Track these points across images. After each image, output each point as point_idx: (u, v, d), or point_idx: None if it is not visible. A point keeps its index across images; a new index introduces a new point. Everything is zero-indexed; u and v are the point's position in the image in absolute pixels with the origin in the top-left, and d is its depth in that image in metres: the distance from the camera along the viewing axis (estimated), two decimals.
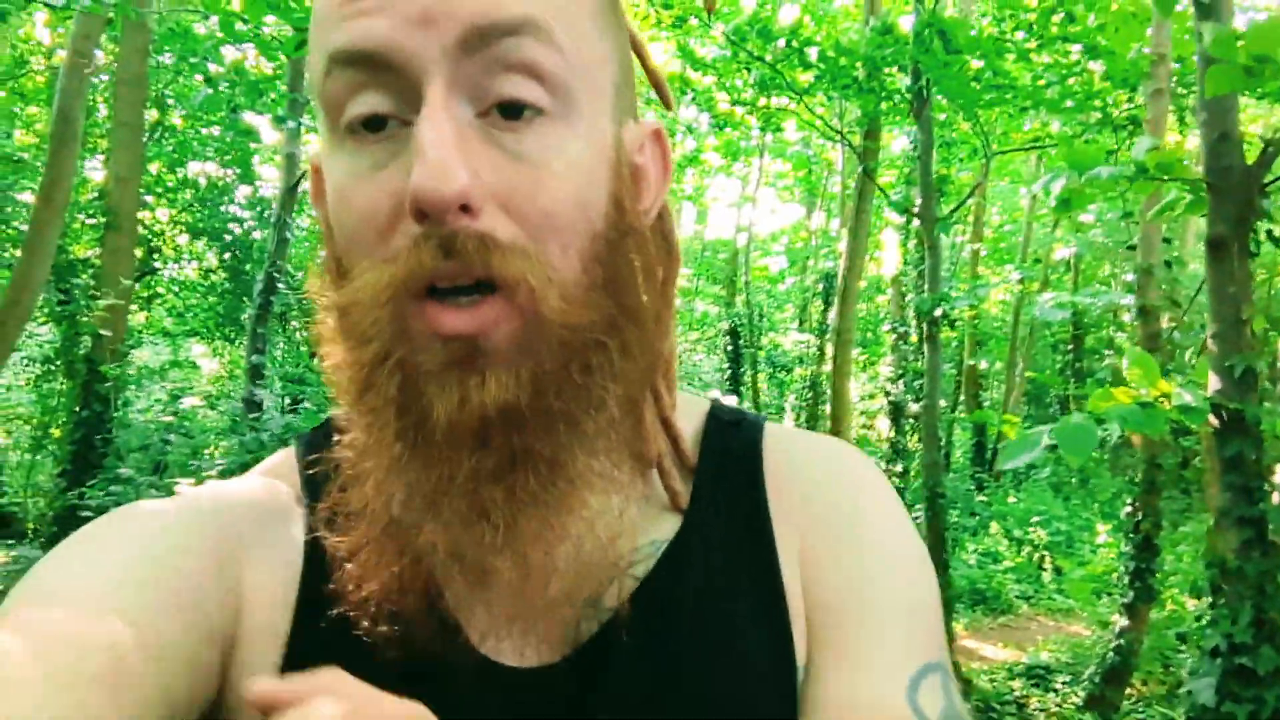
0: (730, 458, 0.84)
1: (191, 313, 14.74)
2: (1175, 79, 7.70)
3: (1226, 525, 4.00)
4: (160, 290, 15.12)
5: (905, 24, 9.88)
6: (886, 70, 9.25)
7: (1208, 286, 4.22)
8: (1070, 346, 18.83)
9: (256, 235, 13.05)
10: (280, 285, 8.13)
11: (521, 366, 0.63)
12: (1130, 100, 9.40)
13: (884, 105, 9.97)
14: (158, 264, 14.62)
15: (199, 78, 10.53)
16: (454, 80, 0.62)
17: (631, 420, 0.74)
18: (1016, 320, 17.45)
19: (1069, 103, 9.82)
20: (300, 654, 0.70)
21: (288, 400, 11.55)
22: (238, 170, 12.34)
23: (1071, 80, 9.80)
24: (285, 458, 0.84)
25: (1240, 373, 4.00)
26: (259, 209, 12.44)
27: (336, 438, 0.74)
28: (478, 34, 0.61)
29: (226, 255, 13.31)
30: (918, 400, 15.29)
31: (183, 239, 14.36)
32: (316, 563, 0.73)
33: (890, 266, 16.93)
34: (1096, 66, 9.51)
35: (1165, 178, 4.24)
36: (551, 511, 0.67)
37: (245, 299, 12.55)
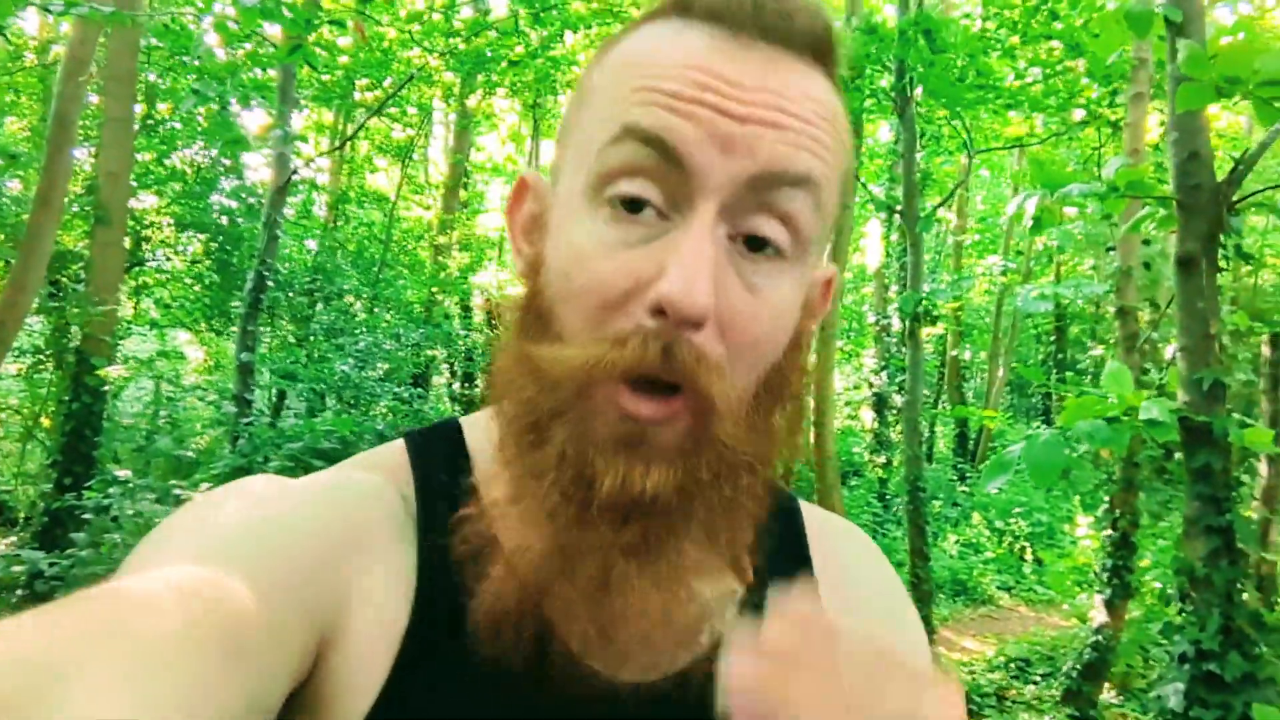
0: (779, 515, 0.89)
1: (178, 303, 14.78)
2: (1153, 85, 7.78)
3: (1195, 534, 4.11)
4: (148, 281, 15.12)
5: (889, 20, 9.98)
6: (870, 68, 9.33)
7: (1177, 301, 4.32)
8: (1053, 338, 18.98)
9: (241, 223, 13.09)
10: (270, 282, 8.18)
11: (678, 463, 0.69)
12: (1111, 101, 9.50)
13: (868, 102, 10.05)
14: (145, 254, 14.64)
15: (190, 76, 10.57)
16: (726, 207, 0.68)
17: (754, 511, 0.78)
18: (999, 312, 17.57)
19: (1052, 100, 9.93)
20: (414, 655, 0.73)
21: (274, 393, 11.61)
22: (226, 160, 12.37)
23: (1055, 78, 9.90)
24: (396, 455, 0.86)
25: (1208, 386, 4.11)
26: (246, 199, 12.48)
27: (466, 452, 0.83)
28: (767, 178, 0.68)
29: (214, 246, 13.33)
30: (901, 392, 15.44)
31: (170, 229, 14.35)
32: (431, 574, 0.76)
33: (873, 258, 17.01)
34: (1079, 64, 9.62)
35: (1136, 195, 4.35)
36: (666, 593, 0.71)
37: (233, 290, 12.59)
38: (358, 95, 12.37)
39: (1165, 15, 4.20)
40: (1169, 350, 10.06)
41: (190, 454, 8.65)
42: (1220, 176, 4.19)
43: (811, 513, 0.96)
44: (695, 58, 0.69)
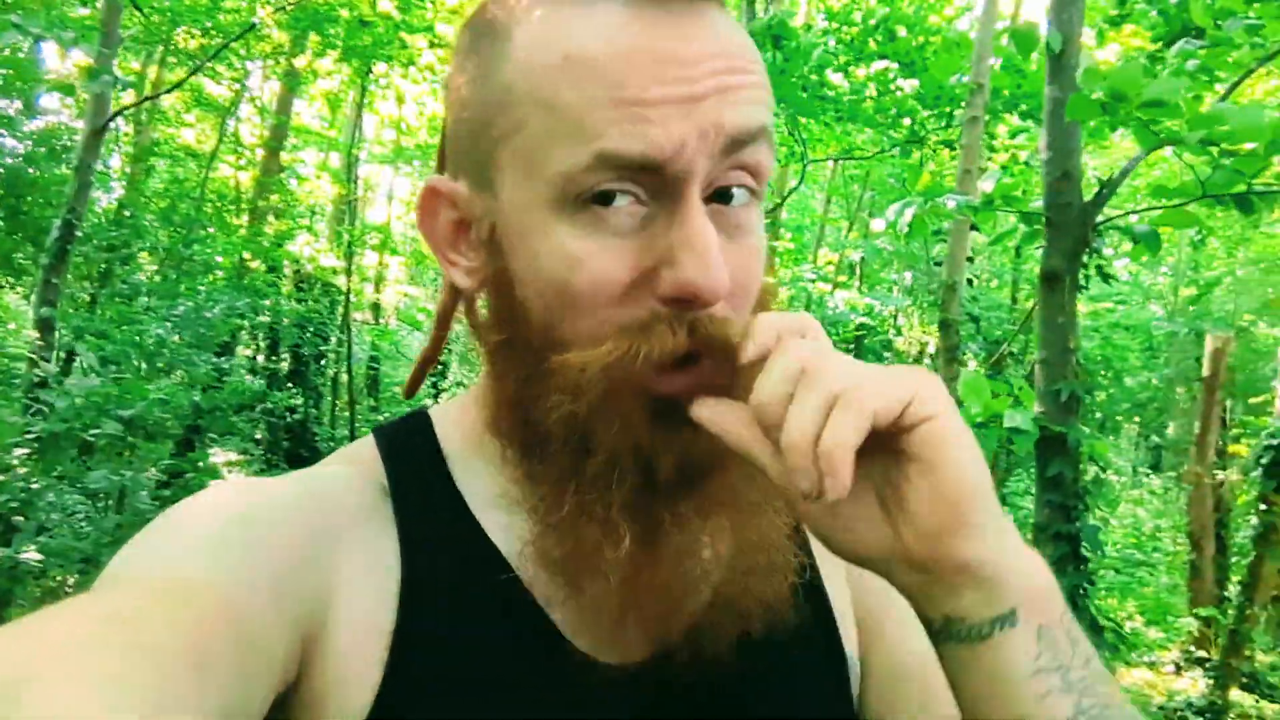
0: None
1: None
2: (986, 110, 8.14)
3: (1044, 540, 4.28)
4: None
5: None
6: None
7: (1038, 315, 4.50)
8: (851, 346, 19.74)
9: (33, 172, 12.03)
10: (78, 233, 7.53)
11: None
12: (946, 124, 9.89)
13: None
14: None
15: None
16: (703, 179, 0.69)
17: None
18: None
19: (882, 117, 10.26)
20: (407, 649, 0.72)
21: (60, 354, 10.72)
22: (19, 101, 11.32)
23: (885, 97, 10.25)
24: (366, 447, 0.85)
25: (1065, 398, 4.28)
26: (40, 142, 11.45)
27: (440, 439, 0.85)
28: (734, 144, 0.69)
29: (1, 192, 12.20)
30: None
31: None
32: (415, 561, 0.76)
33: None
34: (910, 85, 9.99)
35: (1009, 209, 4.49)
36: (741, 532, 0.77)
37: (22, 240, 11.57)
38: (177, 45, 11.65)
39: (1047, 41, 4.35)
40: (970, 363, 10.60)
41: None
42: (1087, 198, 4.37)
43: None
44: (638, 45, 0.67)
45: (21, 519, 5.40)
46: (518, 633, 0.75)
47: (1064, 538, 4.21)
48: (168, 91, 11.11)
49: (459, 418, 0.86)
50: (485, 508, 0.80)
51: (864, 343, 20.52)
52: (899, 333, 17.33)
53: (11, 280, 13.36)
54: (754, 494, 0.76)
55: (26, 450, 5.58)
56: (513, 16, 0.73)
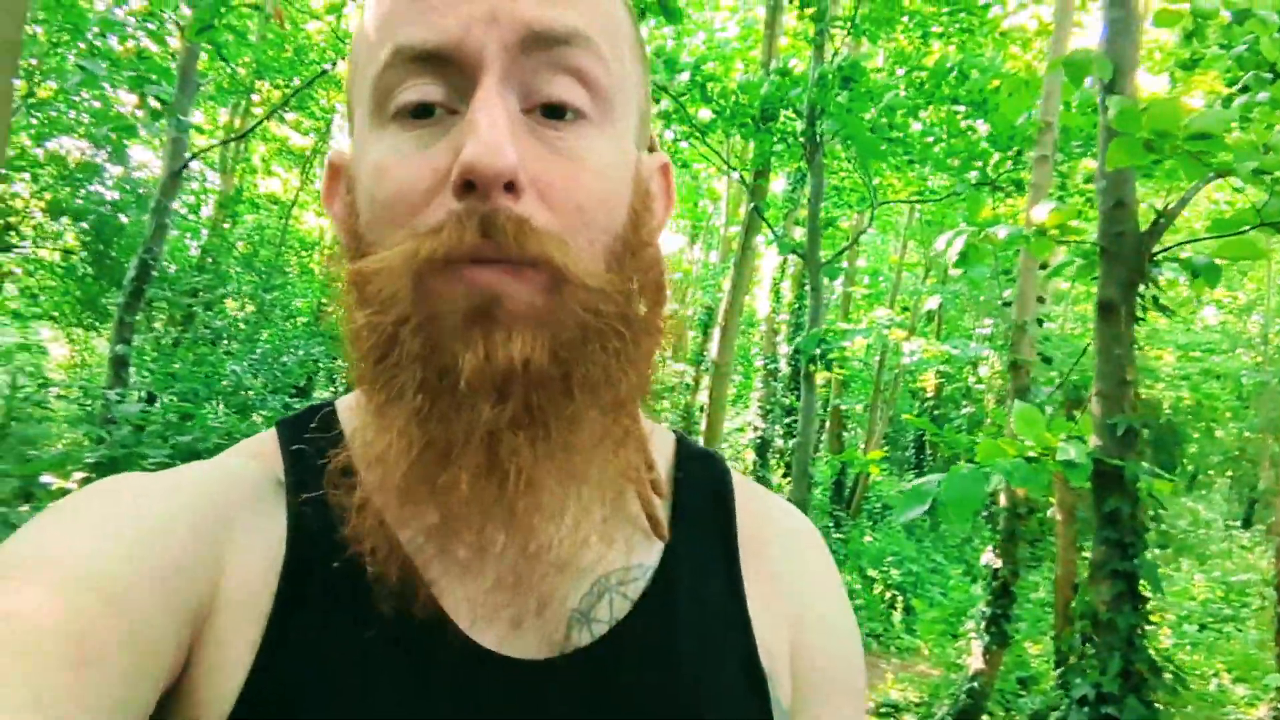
0: (707, 492, 0.89)
1: (46, 295, 14.02)
2: (1056, 148, 8.04)
3: (1100, 578, 4.16)
4: (13, 269, 14.33)
5: (801, 67, 10.14)
6: (783, 113, 9.44)
7: (1094, 347, 4.40)
8: (929, 395, 19.49)
9: (123, 219, 12.51)
10: (154, 273, 7.78)
11: (541, 332, 0.65)
12: (1015, 164, 9.79)
13: (778, 146, 10.17)
14: (12, 241, 13.87)
15: (72, 56, 10.09)
16: (507, 75, 0.67)
17: (623, 428, 0.75)
18: (881, 365, 17.97)
19: (954, 160, 10.19)
20: (282, 630, 0.70)
21: (144, 395, 11.07)
22: (109, 149, 11.78)
23: (956, 139, 10.18)
24: (266, 441, 0.83)
25: (1122, 432, 4.17)
26: (130, 190, 11.89)
27: (332, 424, 0.80)
28: (534, 37, 0.67)
29: (90, 237, 12.69)
30: (785, 436, 15.59)
31: (43, 216, 13.64)
32: (300, 544, 0.73)
33: (762, 304, 17.22)
34: (982, 127, 9.91)
35: (1063, 240, 4.43)
36: (562, 470, 0.68)
37: (109, 285, 11.98)
38: (260, 96, 12.03)
39: (1098, 71, 4.30)
40: (1047, 410, 10.38)
41: (58, 448, 8.13)
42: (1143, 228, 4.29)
43: (744, 485, 0.93)
44: None
45: None
46: (400, 619, 0.70)
47: (1121, 575, 4.09)
48: (239, 138, 11.47)
49: (360, 399, 0.78)
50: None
51: (942, 392, 20.30)
52: (979, 380, 17.08)
53: (97, 324, 13.83)
54: (583, 436, 0.70)
55: (84, 473, 5.75)
56: None
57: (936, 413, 19.21)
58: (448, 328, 0.65)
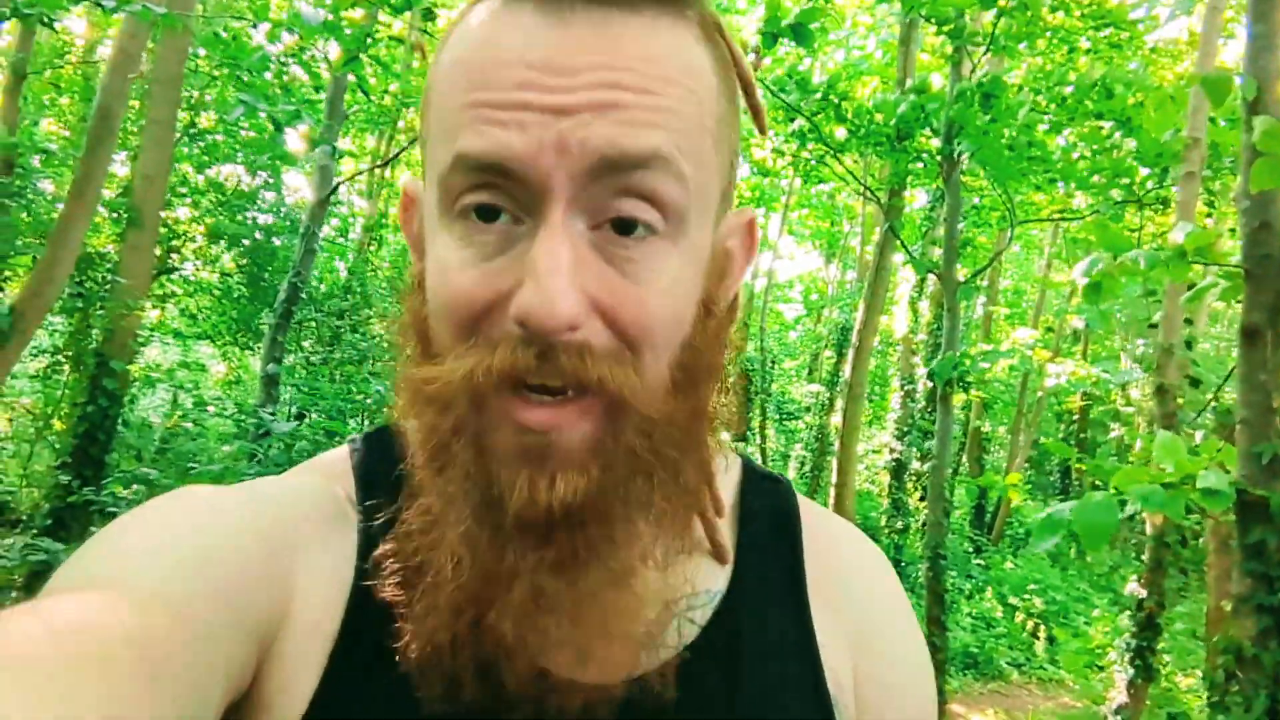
0: (773, 518, 0.89)
1: (204, 315, 14.75)
2: (1204, 165, 7.75)
3: (1245, 612, 3.99)
4: (176, 290, 15.15)
5: (937, 82, 9.98)
6: (920, 131, 9.32)
7: (1238, 372, 4.24)
8: (1076, 417, 18.87)
9: (276, 242, 13.10)
10: (303, 295, 8.15)
11: (591, 469, 0.66)
12: (1159, 181, 9.47)
13: (915, 165, 10.04)
14: (174, 263, 14.66)
15: (234, 88, 10.61)
16: (575, 201, 0.65)
17: (691, 493, 0.76)
18: (1024, 386, 17.51)
19: (1097, 178, 9.89)
20: (347, 657, 0.71)
21: (293, 411, 11.56)
22: (268, 176, 12.37)
23: (1100, 156, 9.88)
24: (339, 458, 0.85)
25: (1267, 460, 4.01)
26: (284, 216, 12.45)
27: (399, 459, 0.78)
28: (607, 165, 0.64)
29: (245, 261, 13.33)
30: (921, 459, 15.30)
31: (202, 240, 14.38)
32: (366, 574, 0.74)
33: (900, 323, 16.97)
34: (1128, 143, 9.59)
35: (1203, 263, 4.28)
36: (610, 598, 0.69)
37: (262, 306, 12.53)
38: (403, 124, 12.44)
39: (1241, 89, 4.16)
40: (1197, 435, 9.96)
41: (215, 466, 8.55)
42: None
43: (811, 510, 0.93)
44: (514, 50, 0.65)
45: None
46: (460, 663, 0.69)
47: (1267, 610, 3.92)
48: (384, 164, 11.86)
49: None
50: None
51: (1089, 414, 19.61)
52: (1128, 403, 16.48)
53: (251, 344, 14.43)
54: (626, 558, 0.70)
55: None
56: (457, 19, 0.74)
57: (1083, 436, 18.61)
58: (498, 455, 0.67)
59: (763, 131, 0.90)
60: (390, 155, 11.52)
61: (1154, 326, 8.07)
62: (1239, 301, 4.30)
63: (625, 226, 0.66)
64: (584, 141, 0.63)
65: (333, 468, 0.84)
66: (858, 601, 0.87)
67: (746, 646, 0.79)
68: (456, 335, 0.68)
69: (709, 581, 0.82)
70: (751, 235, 0.82)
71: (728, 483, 0.90)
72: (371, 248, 13.84)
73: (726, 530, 0.86)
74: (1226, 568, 8.66)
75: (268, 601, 0.69)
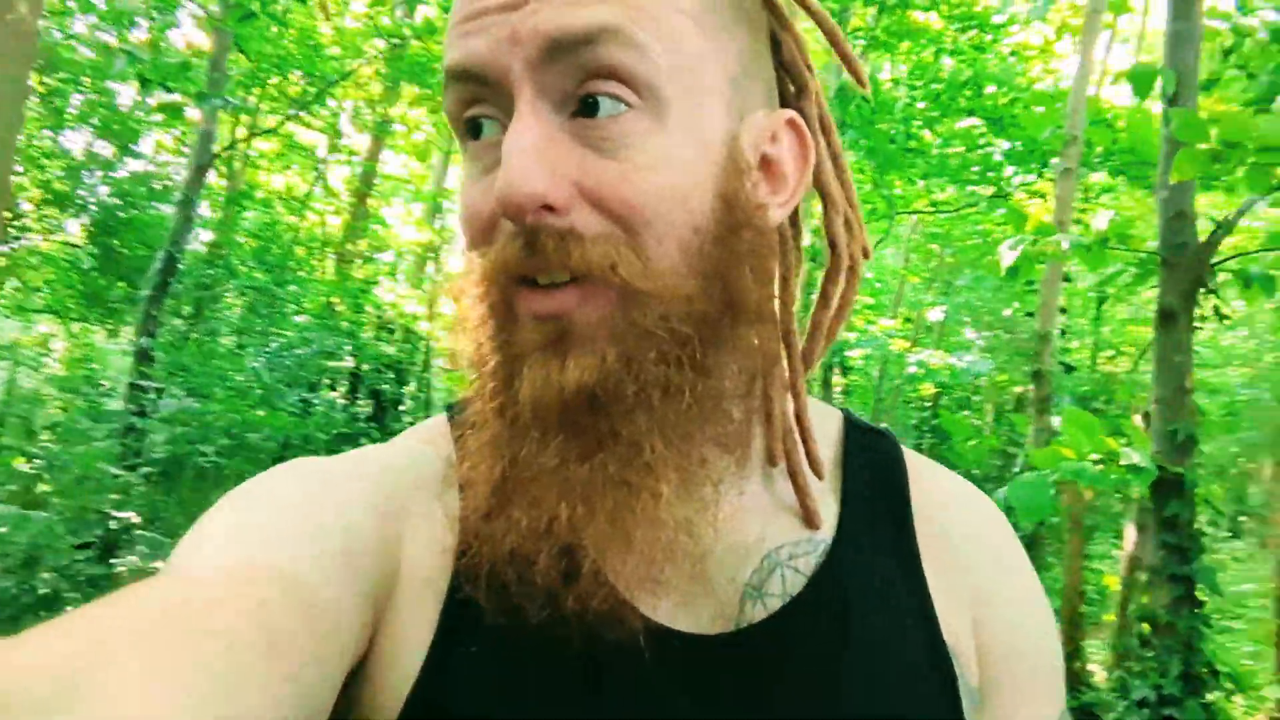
0: (878, 470, 0.87)
1: (50, 288, 13.90)
2: (1080, 162, 8.14)
3: (1159, 582, 4.22)
4: (15, 263, 14.20)
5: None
6: None
7: (1153, 355, 4.47)
8: (929, 404, 19.59)
9: (135, 212, 12.42)
10: (180, 266, 7.77)
11: (607, 351, 0.66)
12: (1038, 175, 9.89)
13: None
14: (11, 236, 13.72)
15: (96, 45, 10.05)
16: (541, 89, 0.66)
17: (739, 415, 0.76)
18: (882, 375, 18.07)
19: (969, 172, 10.29)
20: (459, 612, 0.71)
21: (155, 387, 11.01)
22: (118, 144, 11.70)
23: (973, 152, 10.28)
24: (439, 423, 0.86)
25: (1181, 439, 4.24)
26: (147, 185, 11.83)
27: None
28: (555, 46, 0.65)
29: (96, 231, 12.59)
30: None
31: (48, 208, 13.50)
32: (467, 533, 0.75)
33: None
34: (999, 142, 10.01)
35: (1124, 249, 4.49)
36: (632, 494, 0.67)
37: (117, 279, 11.91)
38: (260, 91, 11.98)
39: (1163, 83, 4.37)
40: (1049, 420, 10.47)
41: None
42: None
43: (920, 463, 0.90)
44: None
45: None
46: (577, 596, 0.68)
47: (1179, 579, 4.15)
48: (272, 131, 11.44)
49: None
50: None
51: (939, 401, 20.40)
52: (978, 391, 17.18)
53: (101, 319, 13.72)
54: (660, 449, 0.68)
55: (149, 469, 5.70)
56: None
57: (934, 421, 19.34)
58: (519, 353, 0.69)
59: (861, 84, 0.87)
60: (274, 126, 11.10)
61: (1030, 315, 8.43)
62: (1151, 288, 4.53)
63: (593, 106, 0.66)
64: (534, 29, 0.64)
65: (432, 432, 0.85)
66: (970, 550, 0.85)
67: (856, 593, 0.77)
68: (477, 249, 0.71)
69: (814, 531, 0.80)
70: (799, 135, 0.77)
71: (827, 433, 0.88)
72: (233, 220, 13.29)
73: (828, 485, 0.84)
74: (1079, 546, 9.13)
75: (381, 565, 0.69)
